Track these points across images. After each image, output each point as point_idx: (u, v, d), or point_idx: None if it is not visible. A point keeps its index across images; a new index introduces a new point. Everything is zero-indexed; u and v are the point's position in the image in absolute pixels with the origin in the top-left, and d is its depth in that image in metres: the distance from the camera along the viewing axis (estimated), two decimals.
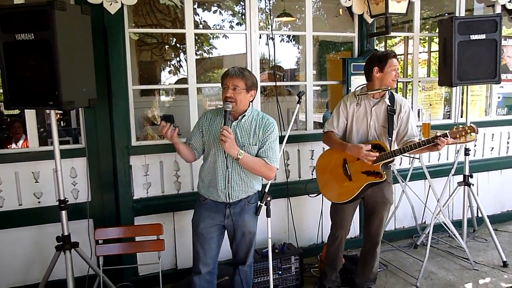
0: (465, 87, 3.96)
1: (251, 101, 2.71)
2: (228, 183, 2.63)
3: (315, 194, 3.44)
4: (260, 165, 2.61)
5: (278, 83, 4.05)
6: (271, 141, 2.65)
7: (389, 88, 3.07)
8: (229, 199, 2.65)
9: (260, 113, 2.75)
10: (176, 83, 7.98)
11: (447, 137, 2.82)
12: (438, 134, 2.82)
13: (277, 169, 2.70)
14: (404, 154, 3.08)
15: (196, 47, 6.24)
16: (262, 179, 2.83)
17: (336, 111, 3.18)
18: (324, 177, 3.24)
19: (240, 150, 2.51)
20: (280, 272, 3.53)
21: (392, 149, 2.97)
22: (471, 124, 2.84)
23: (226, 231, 2.80)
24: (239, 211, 2.70)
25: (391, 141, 3.07)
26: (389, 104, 3.06)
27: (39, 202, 3.32)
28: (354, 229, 4.28)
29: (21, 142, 5.31)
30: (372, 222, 3.22)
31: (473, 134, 2.83)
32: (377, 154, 2.93)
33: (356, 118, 3.12)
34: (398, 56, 3.10)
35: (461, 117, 4.65)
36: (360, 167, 3.04)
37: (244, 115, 2.64)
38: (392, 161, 3.01)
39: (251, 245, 2.80)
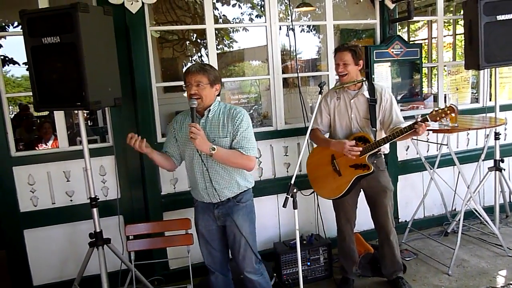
0: (493, 69, 3.85)
1: (218, 95, 2.65)
2: (207, 183, 2.57)
3: (309, 193, 3.37)
4: (236, 157, 2.51)
5: (301, 74, 4.03)
6: (243, 130, 2.54)
7: (363, 79, 3.09)
8: (213, 199, 2.61)
9: (227, 105, 2.66)
10: None
11: (427, 121, 2.75)
12: (419, 119, 2.77)
13: (256, 158, 2.64)
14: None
15: (217, 41, 6.25)
16: (246, 176, 2.71)
17: (318, 108, 3.18)
18: (315, 175, 3.25)
19: (212, 145, 2.42)
20: (309, 263, 3.54)
21: (376, 140, 2.97)
22: (451, 104, 2.75)
23: None
24: (226, 212, 2.64)
25: (375, 131, 3.06)
26: (369, 96, 3.06)
27: (71, 200, 3.42)
28: None
29: (51, 142, 5.46)
30: (377, 213, 3.21)
31: (453, 114, 2.74)
32: (360, 148, 2.93)
33: (338, 112, 3.15)
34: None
35: (490, 100, 4.53)
36: (347, 161, 3.04)
37: (210, 109, 2.57)
38: (379, 150, 3.01)
39: (244, 250, 2.66)
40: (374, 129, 3.06)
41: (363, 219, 3.45)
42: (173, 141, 2.71)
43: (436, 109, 2.77)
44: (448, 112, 2.71)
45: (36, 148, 5.40)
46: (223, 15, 7.53)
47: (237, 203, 2.65)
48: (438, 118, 2.76)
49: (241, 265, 2.71)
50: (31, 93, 2.68)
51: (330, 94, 3.21)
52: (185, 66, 8.26)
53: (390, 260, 3.31)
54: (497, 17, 3.49)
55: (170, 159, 2.71)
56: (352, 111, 3.11)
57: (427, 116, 2.76)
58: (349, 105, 3.12)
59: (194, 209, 2.81)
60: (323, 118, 3.20)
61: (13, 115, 8.94)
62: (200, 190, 2.61)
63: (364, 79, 3.13)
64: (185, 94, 2.59)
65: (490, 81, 4.49)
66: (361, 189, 3.23)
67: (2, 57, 7.07)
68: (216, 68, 3.58)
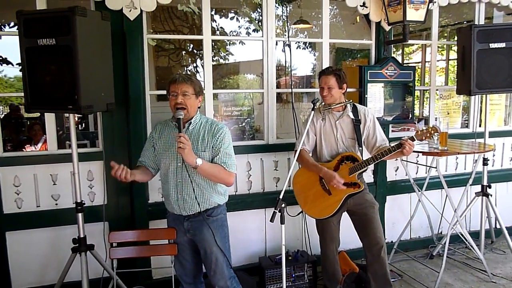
0: (484, 96, 3.91)
1: (199, 107, 2.68)
2: (179, 195, 2.58)
3: (296, 214, 3.35)
4: (220, 171, 2.53)
5: (295, 90, 4.05)
6: (225, 147, 2.58)
7: (351, 101, 3.21)
8: (183, 211, 2.61)
9: (209, 119, 2.69)
10: None
11: (414, 140, 2.90)
12: (404, 138, 2.91)
13: (235, 173, 2.65)
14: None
15: (213, 53, 6.28)
16: (222, 193, 2.72)
17: (305, 128, 3.21)
18: (304, 195, 3.25)
19: (198, 158, 2.42)
20: (293, 279, 3.52)
21: (364, 159, 3.05)
22: (434, 125, 2.95)
23: None
24: (196, 226, 2.63)
25: (361, 151, 3.18)
26: (353, 116, 3.16)
27: (56, 204, 3.37)
28: None
29: (40, 144, 5.40)
30: (371, 228, 3.18)
31: (436, 134, 2.94)
32: (345, 188, 3.01)
33: (323, 132, 3.21)
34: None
35: (479, 126, 4.58)
36: None
37: (191, 122, 2.59)
38: (366, 170, 3.10)
39: (215, 265, 2.64)
40: (361, 148, 3.17)
41: (350, 237, 3.45)
42: (151, 150, 2.72)
43: (421, 129, 2.95)
44: (432, 131, 2.89)
45: (24, 149, 5.34)
46: (221, 27, 7.58)
47: (208, 217, 2.63)
48: (423, 138, 2.92)
49: (213, 281, 2.70)
50: (23, 94, 2.66)
51: (315, 114, 3.22)
52: None
53: (383, 279, 3.25)
54: (490, 45, 3.56)
55: (148, 170, 2.72)
56: (338, 132, 3.17)
57: (413, 136, 2.92)
58: (334, 126, 3.18)
59: (166, 220, 2.82)
60: (310, 139, 3.22)
61: (3, 115, 8.87)
62: (171, 201, 2.61)
63: (351, 100, 3.22)
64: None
65: (481, 107, 4.54)
66: (346, 210, 3.23)
67: None
68: (211, 79, 3.62)
